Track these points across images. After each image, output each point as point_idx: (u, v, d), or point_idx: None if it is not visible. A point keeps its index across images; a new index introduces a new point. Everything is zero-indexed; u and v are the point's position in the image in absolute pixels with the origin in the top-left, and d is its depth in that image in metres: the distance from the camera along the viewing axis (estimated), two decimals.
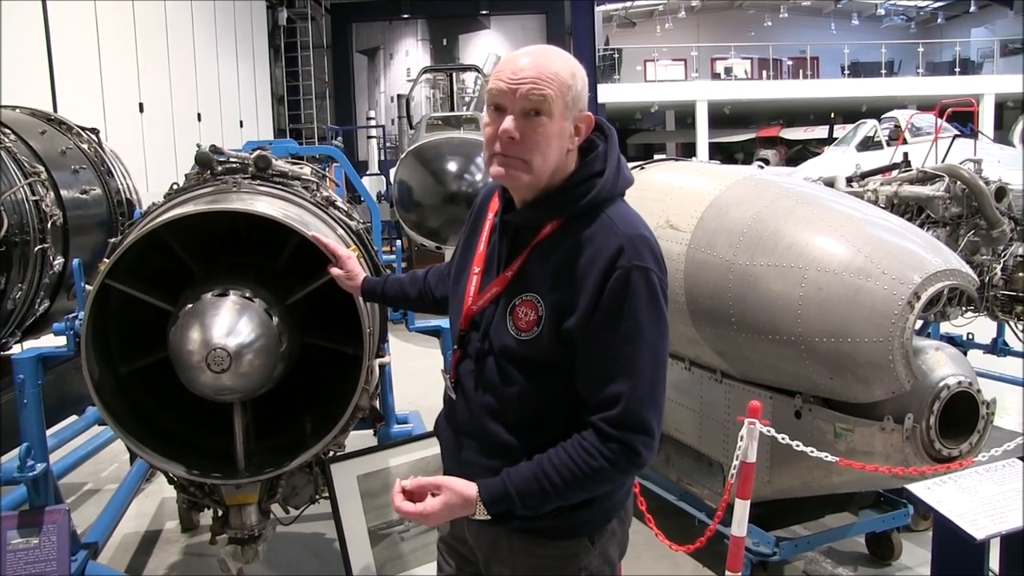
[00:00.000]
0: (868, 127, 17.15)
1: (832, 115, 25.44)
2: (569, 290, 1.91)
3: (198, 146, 3.72)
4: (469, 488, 1.94)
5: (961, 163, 5.95)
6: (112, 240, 3.50)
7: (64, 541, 3.58)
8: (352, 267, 2.78)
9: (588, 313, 1.89)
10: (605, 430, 1.89)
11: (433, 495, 1.94)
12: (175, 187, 3.66)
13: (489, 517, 1.95)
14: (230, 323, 2.76)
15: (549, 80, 1.90)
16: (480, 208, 2.25)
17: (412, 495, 1.95)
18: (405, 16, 30.28)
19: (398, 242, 5.97)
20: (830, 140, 21.16)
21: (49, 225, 4.38)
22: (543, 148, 1.93)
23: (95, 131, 5.82)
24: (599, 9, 30.95)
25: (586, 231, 1.94)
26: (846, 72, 33.48)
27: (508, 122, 1.91)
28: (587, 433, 1.91)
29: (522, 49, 2.00)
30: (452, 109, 15.92)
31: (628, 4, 35.37)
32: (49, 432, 4.24)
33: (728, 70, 33.87)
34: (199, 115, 17.08)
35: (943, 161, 7.57)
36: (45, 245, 4.35)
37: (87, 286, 3.44)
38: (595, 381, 1.91)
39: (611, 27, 36.11)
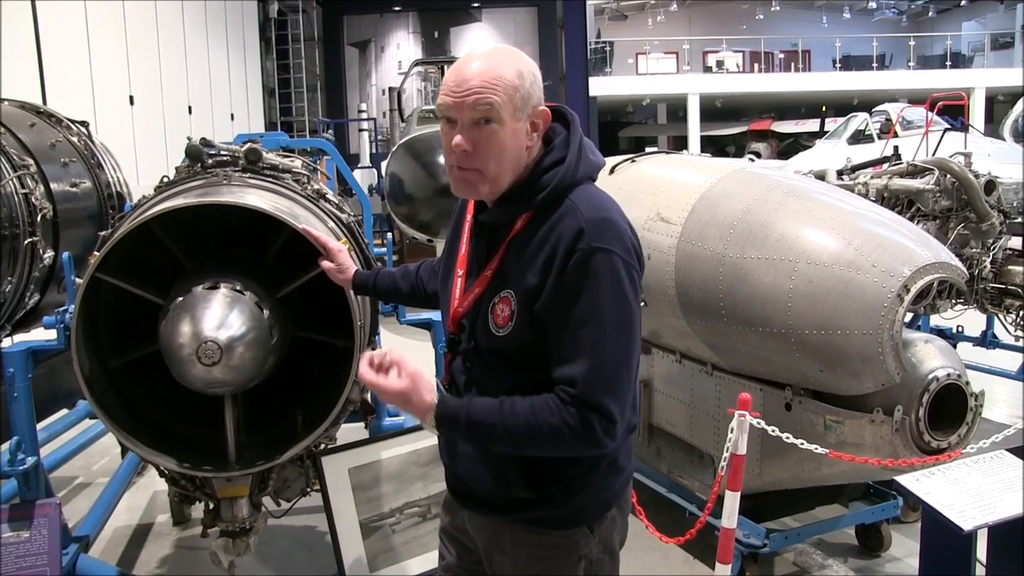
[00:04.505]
0: (859, 120, 17.18)
1: (823, 108, 25.51)
2: (535, 277, 1.92)
3: (188, 139, 3.71)
4: (430, 396, 1.94)
5: (951, 156, 5.96)
6: (102, 233, 3.48)
7: (55, 535, 3.57)
8: (343, 260, 2.78)
9: (551, 296, 1.90)
10: (564, 399, 1.88)
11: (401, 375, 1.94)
12: (165, 180, 3.65)
13: (436, 430, 1.97)
14: (220, 316, 2.75)
15: (493, 86, 1.90)
16: (460, 210, 2.26)
17: (380, 367, 1.96)
18: (396, 9, 30.20)
19: (389, 235, 5.98)
20: (821, 133, 21.19)
21: (39, 218, 4.36)
22: (497, 155, 1.94)
23: (85, 124, 5.79)
24: (590, 2, 30.88)
25: (552, 219, 1.95)
26: (837, 65, 33.50)
27: (458, 137, 1.93)
28: (551, 396, 1.90)
29: (466, 56, 2.00)
30: None
31: None
32: (40, 426, 4.23)
33: (720, 63, 33.82)
34: (190, 108, 17.00)
35: (933, 154, 7.58)
36: (35, 238, 4.32)
37: (77, 279, 3.44)
38: (556, 361, 1.91)
39: (603, 20, 36.06)
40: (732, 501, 3.41)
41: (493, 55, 1.97)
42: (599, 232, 1.89)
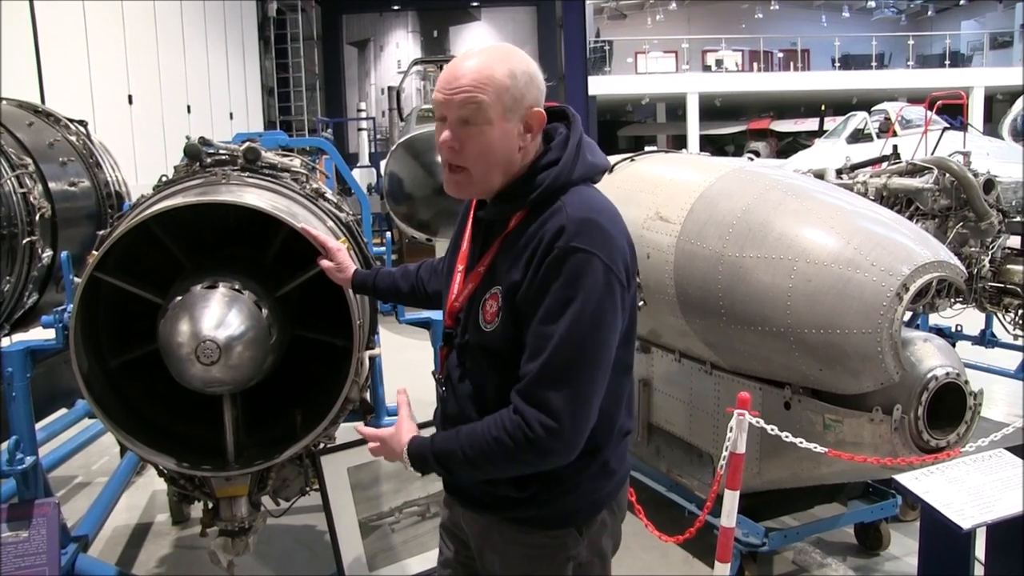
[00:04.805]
0: (858, 119, 17.17)
1: (822, 107, 25.48)
2: (519, 274, 1.93)
3: (187, 138, 3.70)
4: (406, 437, 2.06)
5: (950, 155, 5.97)
6: (101, 232, 3.48)
7: (54, 534, 3.57)
8: (342, 259, 2.79)
9: (527, 292, 1.91)
10: (513, 401, 1.89)
11: None
12: (164, 179, 3.65)
13: (415, 470, 2.07)
14: (219, 315, 2.75)
15: (483, 86, 1.91)
16: (466, 207, 2.27)
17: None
18: (395, 8, 30.21)
19: (388, 234, 5.98)
20: (820, 132, 21.19)
21: (37, 218, 4.35)
22: (484, 156, 1.95)
23: (83, 123, 5.78)
24: (590, 1, 30.87)
25: (541, 217, 1.95)
26: (837, 64, 33.52)
27: (445, 134, 1.96)
28: (506, 409, 1.91)
29: (463, 53, 2.01)
30: None
31: None
32: (39, 425, 4.23)
33: (719, 62, 33.82)
34: (188, 107, 16.99)
35: (932, 153, 7.58)
36: (33, 238, 4.32)
37: (76, 279, 3.43)
38: (523, 357, 1.91)
39: (602, 19, 36.06)
40: (731, 500, 3.41)
41: (488, 54, 1.97)
42: (581, 232, 1.88)
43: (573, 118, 2.10)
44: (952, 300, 5.38)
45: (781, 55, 34.76)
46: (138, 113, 14.13)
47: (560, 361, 1.85)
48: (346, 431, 3.79)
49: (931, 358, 3.38)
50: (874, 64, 32.43)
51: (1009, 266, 5.62)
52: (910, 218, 5.53)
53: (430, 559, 3.50)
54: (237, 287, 2.89)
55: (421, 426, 2.16)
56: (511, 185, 2.01)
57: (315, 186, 3.87)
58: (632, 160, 4.89)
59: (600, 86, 29.43)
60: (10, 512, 3.59)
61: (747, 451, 3.46)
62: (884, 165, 6.45)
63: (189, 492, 3.38)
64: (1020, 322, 5.80)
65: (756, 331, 3.56)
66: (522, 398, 1.88)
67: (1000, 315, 5.90)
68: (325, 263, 2.79)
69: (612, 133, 34.94)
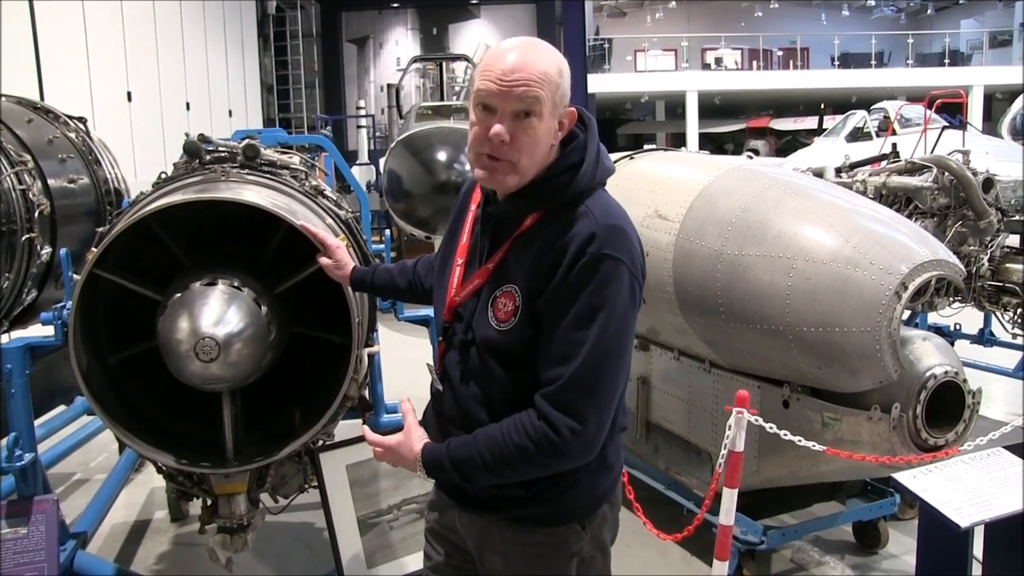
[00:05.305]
0: (858, 118, 17.18)
1: (822, 106, 25.47)
2: (542, 277, 1.92)
3: (186, 135, 3.70)
4: (418, 445, 2.05)
5: (949, 154, 5.97)
6: (100, 230, 3.47)
7: (53, 531, 3.57)
8: (341, 256, 2.79)
9: (553, 295, 1.90)
10: (538, 406, 1.89)
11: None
12: (163, 177, 3.65)
13: (429, 477, 2.07)
14: (218, 312, 2.75)
15: (540, 81, 1.90)
16: (464, 199, 2.26)
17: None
18: (395, 5, 30.23)
19: (387, 232, 5.98)
20: (820, 131, 21.19)
21: (36, 214, 4.35)
22: (531, 149, 1.94)
23: (83, 120, 5.78)
24: None
25: (564, 221, 1.94)
26: (836, 63, 33.53)
27: (498, 126, 1.91)
28: (525, 413, 1.92)
29: (506, 43, 1.98)
30: (442, 98, 15.89)
31: None
32: (37, 422, 4.22)
33: (718, 60, 33.85)
34: (188, 104, 17.00)
35: (932, 152, 7.58)
36: (32, 235, 4.32)
37: (75, 276, 3.43)
38: (545, 360, 1.91)
39: (601, 17, 36.03)
40: (730, 498, 3.41)
41: (537, 48, 1.96)
42: (610, 239, 1.90)
43: (589, 121, 2.08)
44: (951, 299, 5.38)
45: (780, 53, 34.78)
46: (137, 110, 14.13)
47: (590, 367, 1.87)
48: (345, 428, 3.79)
49: (930, 356, 3.38)
50: (873, 63, 32.45)
51: (1008, 265, 5.63)
52: (909, 216, 5.53)
53: None
54: (236, 284, 2.89)
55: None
56: (532, 184, 2.00)
57: (314, 183, 3.87)
58: (631, 158, 4.89)
59: (599, 84, 29.42)
60: (9, 509, 3.58)
61: (745, 449, 3.47)
62: (883, 164, 6.45)
63: (188, 489, 3.37)
64: (1019, 321, 5.80)
65: (755, 329, 3.56)
66: (550, 403, 1.88)
67: (999, 314, 5.91)
68: (324, 260, 2.80)
69: (611, 131, 34.95)
